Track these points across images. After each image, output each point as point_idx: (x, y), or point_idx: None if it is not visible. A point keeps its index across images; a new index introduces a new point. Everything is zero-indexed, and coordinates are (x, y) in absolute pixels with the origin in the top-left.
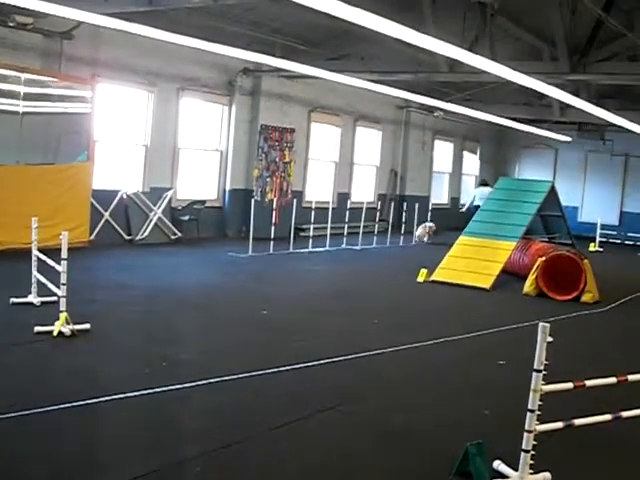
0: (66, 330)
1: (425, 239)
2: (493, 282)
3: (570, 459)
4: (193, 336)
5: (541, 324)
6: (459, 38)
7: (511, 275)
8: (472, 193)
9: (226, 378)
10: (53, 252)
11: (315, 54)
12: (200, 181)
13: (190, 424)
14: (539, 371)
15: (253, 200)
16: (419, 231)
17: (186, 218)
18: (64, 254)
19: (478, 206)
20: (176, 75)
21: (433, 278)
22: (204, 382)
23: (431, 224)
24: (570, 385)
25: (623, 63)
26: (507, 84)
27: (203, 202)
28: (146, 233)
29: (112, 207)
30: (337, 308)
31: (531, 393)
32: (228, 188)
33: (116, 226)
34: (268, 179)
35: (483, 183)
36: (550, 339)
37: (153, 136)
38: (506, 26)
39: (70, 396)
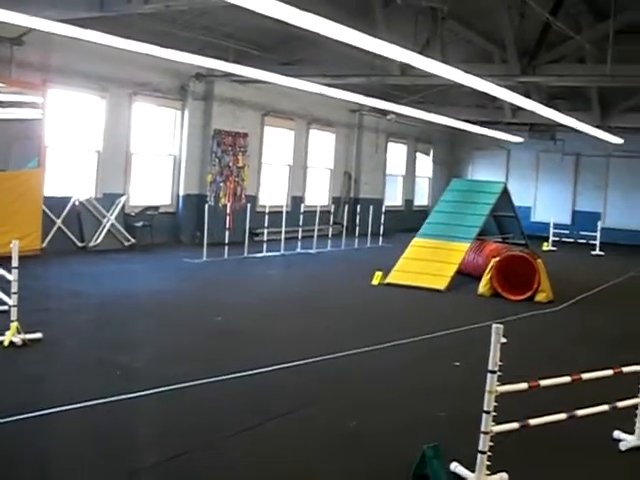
0: (17, 340)
1: None
2: (448, 283)
3: (527, 459)
4: (147, 343)
5: (494, 325)
6: (411, 42)
7: (466, 276)
8: None
9: (181, 385)
10: (4, 260)
11: (268, 59)
12: (153, 187)
13: (144, 433)
14: (494, 372)
15: (207, 205)
16: None
17: (140, 224)
18: (15, 262)
19: None
20: (128, 80)
21: (388, 281)
22: (159, 390)
23: None
24: (525, 385)
25: (571, 65)
26: (459, 86)
27: (157, 208)
28: (99, 240)
29: (64, 214)
30: (292, 313)
31: (486, 394)
32: (182, 193)
33: (68, 233)
34: (222, 184)
35: None
36: (504, 340)
37: (105, 142)
38: (457, 29)
39: (22, 407)
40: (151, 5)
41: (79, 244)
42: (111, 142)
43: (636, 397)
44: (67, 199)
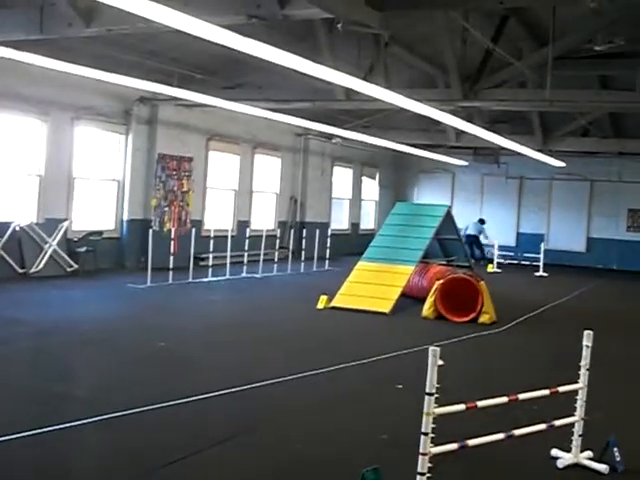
0: None
1: None
2: (392, 306)
3: (466, 479)
4: (88, 371)
5: (431, 348)
6: (355, 67)
7: (410, 299)
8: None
9: (121, 413)
10: None
11: (212, 83)
12: (97, 211)
13: (82, 463)
14: (431, 394)
15: (151, 230)
16: None
17: (83, 249)
18: None
19: (467, 235)
20: (71, 104)
21: (333, 304)
22: (98, 419)
23: None
24: (462, 407)
25: (512, 90)
26: (404, 111)
27: (100, 233)
28: (41, 266)
29: (4, 239)
30: (236, 338)
31: (424, 416)
32: (126, 218)
33: (9, 259)
34: (166, 208)
35: (481, 220)
36: (441, 362)
37: (47, 166)
38: (400, 55)
39: None
40: (93, 29)
41: (20, 270)
42: (53, 166)
43: (573, 415)
44: (7, 224)
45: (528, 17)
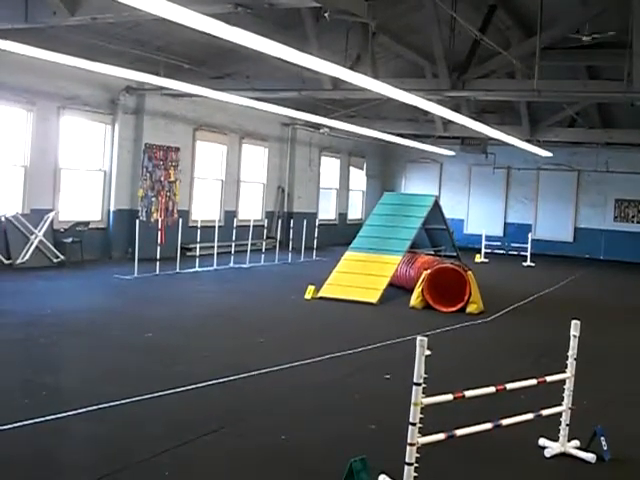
0: None
1: None
2: (380, 296)
3: (454, 469)
4: (75, 363)
5: (418, 338)
6: (342, 56)
7: (398, 289)
8: None
9: (108, 405)
10: None
11: (199, 72)
12: (83, 202)
13: (69, 455)
14: (418, 384)
15: (138, 220)
16: None
17: (69, 240)
18: None
19: None
20: (56, 93)
21: (321, 295)
22: (86, 410)
23: None
24: (450, 397)
25: (500, 80)
26: (392, 100)
27: (87, 223)
28: (27, 257)
29: None
30: (223, 329)
31: (412, 406)
32: (112, 209)
33: None
34: (153, 199)
35: None
36: (428, 352)
37: (33, 156)
38: (388, 44)
39: None
40: (78, 17)
41: (5, 261)
42: (39, 157)
43: (560, 405)
44: None
45: (516, 7)
